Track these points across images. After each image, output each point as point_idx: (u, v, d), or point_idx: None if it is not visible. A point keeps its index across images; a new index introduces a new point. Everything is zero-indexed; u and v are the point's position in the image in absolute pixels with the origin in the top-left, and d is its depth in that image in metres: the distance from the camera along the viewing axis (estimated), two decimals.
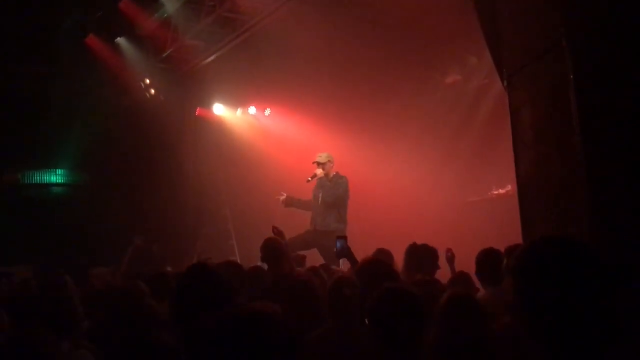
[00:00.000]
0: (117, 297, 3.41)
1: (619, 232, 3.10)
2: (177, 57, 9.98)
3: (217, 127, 11.06)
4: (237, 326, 1.60)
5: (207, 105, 11.03)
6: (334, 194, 7.40)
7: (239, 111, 11.14)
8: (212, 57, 9.52)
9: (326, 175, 7.50)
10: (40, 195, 10.64)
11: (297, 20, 7.81)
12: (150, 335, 2.52)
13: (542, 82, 3.94)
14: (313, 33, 7.91)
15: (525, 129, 4.21)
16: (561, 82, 3.49)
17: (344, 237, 4.87)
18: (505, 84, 4.64)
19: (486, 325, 2.73)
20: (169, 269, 5.36)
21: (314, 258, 6.90)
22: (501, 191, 8.89)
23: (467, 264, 4.91)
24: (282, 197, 7.59)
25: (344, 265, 5.87)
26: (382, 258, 4.10)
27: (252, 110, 11.07)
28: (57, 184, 10.96)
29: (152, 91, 10.54)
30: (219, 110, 11.06)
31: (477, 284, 4.23)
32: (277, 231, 5.53)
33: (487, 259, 4.04)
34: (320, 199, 7.48)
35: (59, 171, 10.92)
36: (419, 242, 5.03)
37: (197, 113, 11.09)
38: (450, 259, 5.31)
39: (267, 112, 11.04)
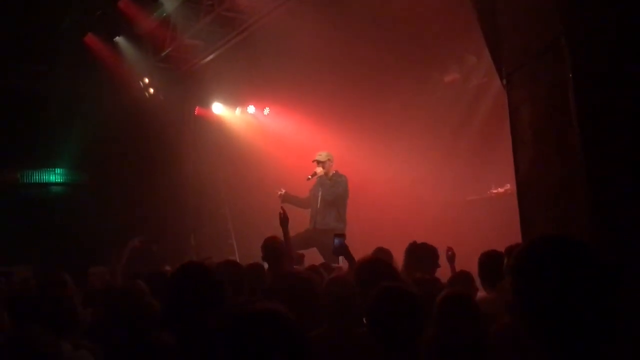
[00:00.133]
0: (116, 296, 3.41)
1: (619, 231, 3.10)
2: (176, 57, 9.97)
3: (216, 127, 11.06)
4: (245, 325, 1.59)
5: (206, 104, 11.02)
6: (333, 192, 7.41)
7: (238, 110, 11.13)
8: (211, 57, 9.52)
9: (326, 173, 7.52)
10: (39, 195, 10.64)
11: (296, 19, 7.80)
12: (150, 334, 2.52)
13: (541, 81, 3.94)
14: (312, 32, 7.90)
15: (524, 128, 4.21)
16: (560, 81, 3.49)
17: (342, 235, 4.88)
18: (504, 82, 4.64)
19: (482, 325, 2.73)
20: (167, 268, 5.36)
21: (313, 257, 6.90)
22: (500, 190, 8.89)
23: (466, 262, 4.91)
24: (281, 192, 7.58)
25: (343, 263, 5.88)
26: (381, 257, 4.09)
27: (251, 109, 11.07)
28: (56, 184, 10.96)
29: (151, 90, 10.53)
30: (218, 109, 11.06)
31: (478, 283, 4.23)
32: (283, 216, 5.53)
33: (489, 261, 4.02)
34: (319, 197, 7.49)
35: (58, 170, 10.92)
36: (419, 241, 5.03)
37: (196, 112, 11.08)
38: (451, 257, 5.32)
39: (266, 111, 11.03)
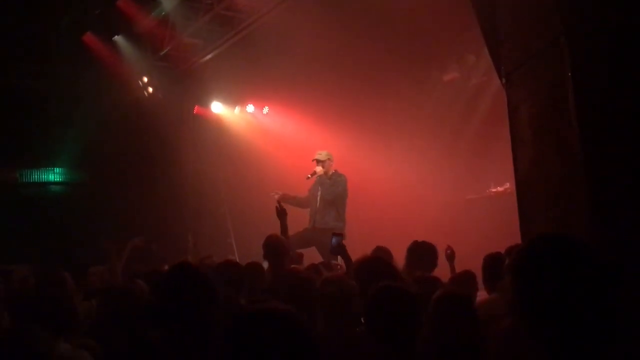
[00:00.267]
0: (116, 296, 3.41)
1: (619, 231, 3.10)
2: (175, 55, 9.97)
3: (216, 126, 11.05)
4: (255, 324, 1.58)
5: (205, 103, 11.01)
6: (333, 192, 7.41)
7: (237, 109, 11.13)
8: (210, 55, 9.51)
9: (325, 173, 7.52)
10: (38, 194, 10.62)
11: (295, 18, 7.80)
12: (149, 334, 2.51)
13: (540, 80, 3.94)
14: (311, 31, 7.90)
15: (524, 127, 4.21)
16: (560, 80, 3.49)
17: (341, 235, 4.88)
18: (503, 81, 4.64)
19: (479, 324, 2.72)
20: (166, 267, 5.35)
21: (312, 256, 6.90)
22: (500, 189, 8.89)
23: (466, 261, 4.92)
24: (276, 196, 7.54)
25: (342, 261, 5.89)
26: (381, 256, 4.09)
27: (250, 108, 11.06)
28: (55, 183, 10.94)
29: (150, 89, 10.52)
30: (217, 108, 11.05)
31: (481, 283, 4.21)
32: (280, 208, 5.52)
33: (493, 263, 4.00)
34: (319, 196, 7.49)
35: (57, 170, 10.91)
36: (418, 240, 5.03)
37: (195, 111, 11.07)
38: (450, 256, 5.32)
39: (265, 110, 11.02)
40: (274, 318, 1.59)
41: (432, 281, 3.81)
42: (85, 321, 3.60)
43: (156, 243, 8.65)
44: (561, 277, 1.45)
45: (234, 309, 3.08)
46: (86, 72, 9.91)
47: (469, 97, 9.76)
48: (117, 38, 9.79)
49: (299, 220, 7.54)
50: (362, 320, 2.87)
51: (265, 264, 5.01)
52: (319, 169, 7.50)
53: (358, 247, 4.78)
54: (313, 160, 7.57)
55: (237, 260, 7.26)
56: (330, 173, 7.55)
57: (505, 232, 5.35)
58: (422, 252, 4.82)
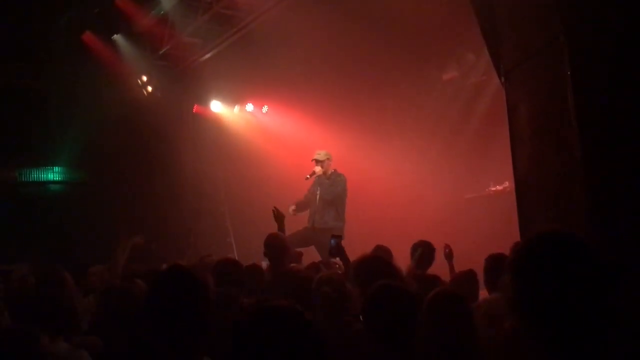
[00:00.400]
0: (116, 295, 3.41)
1: (618, 230, 3.11)
2: (174, 54, 9.96)
3: (215, 125, 11.04)
4: (267, 320, 1.58)
5: (205, 102, 11.00)
6: (332, 191, 7.41)
7: (237, 108, 11.12)
8: (209, 54, 9.50)
9: (324, 172, 7.51)
10: (38, 193, 10.63)
11: (294, 17, 7.79)
12: (148, 334, 2.51)
13: (539, 79, 3.94)
14: (310, 30, 7.89)
15: (523, 126, 4.21)
16: (559, 79, 3.49)
17: (339, 237, 4.89)
18: (502, 80, 4.64)
19: (472, 322, 2.72)
20: (164, 266, 5.34)
21: (312, 255, 6.91)
22: (499, 188, 8.89)
23: (465, 260, 4.92)
24: (292, 208, 7.57)
25: (339, 260, 5.89)
26: (381, 255, 4.09)
27: (249, 107, 11.05)
28: (54, 182, 10.94)
29: (149, 88, 10.51)
30: (217, 107, 11.03)
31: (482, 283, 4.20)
32: (277, 213, 5.52)
33: (496, 264, 3.98)
34: (318, 196, 7.50)
35: (56, 169, 10.91)
36: (417, 239, 5.05)
37: (194, 110, 11.06)
38: (449, 255, 5.32)
39: (265, 109, 11.02)
40: (283, 315, 1.59)
41: (432, 280, 3.82)
42: (84, 318, 3.60)
43: (156, 242, 8.66)
44: (560, 275, 1.45)
45: (235, 308, 3.08)
46: (85, 71, 9.90)
47: (468, 96, 9.75)
48: (116, 37, 9.78)
49: (298, 220, 7.54)
50: (361, 319, 2.87)
51: (265, 262, 5.01)
52: (317, 169, 7.50)
53: (358, 247, 4.78)
54: (312, 160, 7.57)
55: (237, 258, 7.28)
56: (329, 173, 7.54)
57: (504, 231, 5.36)
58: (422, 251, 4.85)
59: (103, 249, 8.17)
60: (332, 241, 4.75)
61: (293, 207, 7.58)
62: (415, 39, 8.56)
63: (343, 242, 4.72)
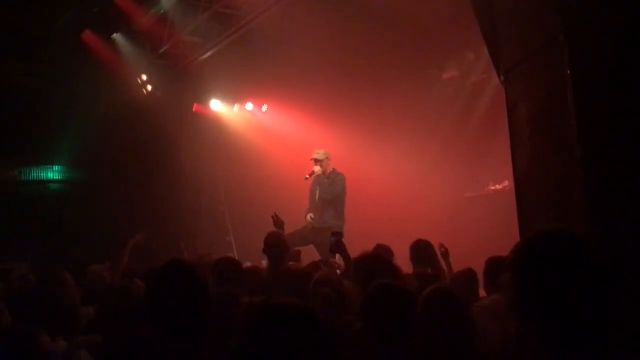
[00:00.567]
0: (115, 295, 3.41)
1: (618, 230, 3.11)
2: (174, 53, 9.95)
3: (215, 124, 11.04)
4: (275, 318, 1.58)
5: (204, 101, 11.00)
6: (331, 191, 7.41)
7: (236, 107, 11.12)
8: (209, 53, 9.49)
9: (323, 172, 7.52)
10: (37, 192, 10.62)
11: (293, 16, 7.79)
12: (148, 333, 2.51)
13: (539, 78, 3.94)
14: (310, 29, 7.89)
15: (522, 125, 4.21)
16: (559, 78, 3.49)
17: (340, 234, 4.90)
18: (502, 79, 4.64)
19: (467, 320, 2.72)
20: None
21: (311, 254, 6.91)
22: (498, 187, 8.91)
23: (465, 259, 4.92)
24: (310, 215, 7.56)
25: (339, 258, 5.90)
26: (381, 254, 4.10)
27: (249, 106, 11.06)
28: (54, 181, 10.94)
29: (149, 87, 10.50)
30: (216, 106, 11.04)
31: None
32: (277, 220, 5.52)
33: (495, 267, 3.98)
34: (317, 195, 7.50)
35: (56, 168, 10.90)
36: (416, 238, 5.05)
37: (194, 109, 11.06)
38: (444, 254, 5.32)
39: (264, 108, 11.02)
40: (292, 312, 1.59)
41: (434, 278, 3.82)
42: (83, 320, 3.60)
43: (155, 241, 8.66)
44: (560, 275, 1.45)
45: (236, 307, 3.08)
46: (85, 70, 9.89)
47: (468, 95, 9.77)
48: (115, 36, 9.78)
49: (298, 219, 7.55)
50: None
51: (265, 261, 5.01)
52: (317, 169, 7.50)
53: (357, 246, 4.77)
54: (311, 160, 7.57)
55: (236, 258, 7.28)
56: (329, 172, 7.55)
57: (504, 230, 5.36)
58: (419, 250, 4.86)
59: (102, 247, 8.19)
60: (333, 238, 4.76)
61: (311, 214, 7.54)
62: (415, 38, 8.56)
63: (342, 241, 4.73)
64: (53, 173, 10.91)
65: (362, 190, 8.63)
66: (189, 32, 9.25)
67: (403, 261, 4.79)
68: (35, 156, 10.61)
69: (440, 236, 5.65)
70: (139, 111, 10.25)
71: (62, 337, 2.77)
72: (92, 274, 5.48)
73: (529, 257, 1.53)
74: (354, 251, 4.51)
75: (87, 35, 9.70)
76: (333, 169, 7.60)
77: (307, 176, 7.53)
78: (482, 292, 4.15)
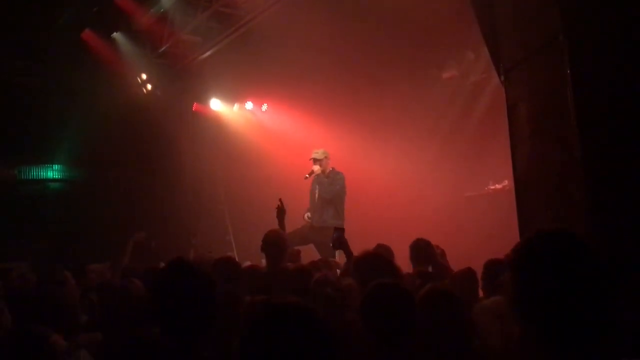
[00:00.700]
0: (115, 294, 3.41)
1: (617, 230, 3.11)
2: (173, 53, 9.95)
3: (214, 123, 11.04)
4: (277, 317, 1.58)
5: (204, 100, 11.00)
6: (331, 190, 7.41)
7: (236, 107, 11.12)
8: (209, 53, 9.49)
9: (323, 171, 7.51)
10: (37, 191, 10.62)
11: (294, 15, 7.79)
12: (144, 332, 2.52)
13: (539, 78, 3.94)
14: (310, 29, 7.89)
15: (522, 125, 4.21)
16: (559, 78, 3.49)
17: (342, 229, 4.90)
18: (502, 79, 4.64)
19: (465, 319, 2.72)
20: (162, 264, 5.35)
21: (310, 253, 6.91)
22: (498, 186, 8.91)
23: (464, 258, 4.92)
24: (308, 215, 7.61)
25: (339, 257, 5.90)
26: (382, 253, 4.09)
27: (249, 105, 11.06)
28: (53, 180, 10.94)
29: (149, 86, 10.51)
30: (216, 105, 11.04)
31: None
32: (280, 207, 5.52)
33: (494, 270, 3.96)
34: (317, 195, 7.50)
35: (55, 167, 10.90)
36: (416, 237, 5.05)
37: (194, 108, 11.06)
38: (440, 255, 5.31)
39: (264, 107, 11.02)
40: (293, 312, 1.59)
41: (436, 276, 3.82)
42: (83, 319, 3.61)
43: (155, 240, 8.66)
44: (560, 275, 1.45)
45: (237, 306, 3.09)
46: (84, 69, 9.89)
47: (467, 95, 9.76)
48: (115, 35, 9.78)
49: (298, 218, 7.55)
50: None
51: (264, 260, 5.00)
52: (316, 168, 7.50)
53: (357, 246, 4.77)
54: (310, 159, 7.57)
55: (236, 257, 7.28)
56: (328, 171, 7.54)
57: (504, 230, 5.36)
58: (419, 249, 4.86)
59: (102, 246, 8.19)
60: (335, 234, 4.76)
61: (308, 214, 7.60)
62: (415, 38, 8.55)
63: (345, 237, 4.73)
64: (53, 172, 10.91)
65: (362, 190, 8.63)
66: (189, 31, 9.25)
67: (403, 261, 4.78)
68: (35, 155, 10.61)
69: (440, 236, 5.65)
70: (139, 110, 10.25)
71: (62, 337, 2.77)
72: (92, 272, 5.48)
73: (529, 257, 1.53)
74: (354, 251, 4.51)
75: (87, 35, 9.70)
76: (332, 168, 7.59)
77: (307, 175, 7.53)
78: (480, 293, 4.15)
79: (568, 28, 3.45)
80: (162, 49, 9.78)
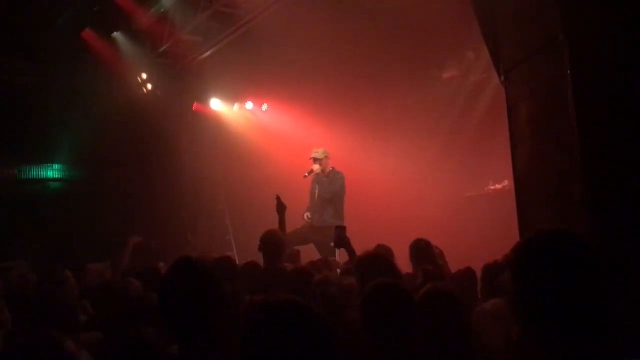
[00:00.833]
0: (114, 294, 3.41)
1: (617, 230, 3.11)
2: (174, 52, 9.95)
3: (214, 122, 11.04)
4: (275, 315, 1.58)
5: (204, 100, 11.00)
6: (330, 189, 7.42)
7: (236, 106, 11.12)
8: (209, 52, 9.50)
9: (322, 170, 7.52)
10: (37, 191, 10.62)
11: (294, 15, 7.79)
12: (143, 331, 2.51)
13: (539, 78, 3.94)
14: (310, 28, 7.89)
15: (522, 125, 4.21)
16: (559, 78, 3.49)
17: (343, 227, 4.90)
18: (502, 79, 4.64)
19: (464, 318, 2.72)
20: (161, 264, 5.35)
21: (310, 253, 6.90)
22: (498, 186, 8.90)
23: (464, 258, 4.92)
24: (307, 215, 7.62)
25: (339, 257, 5.90)
26: (382, 253, 4.09)
27: (249, 105, 11.06)
28: (53, 179, 10.93)
29: (149, 86, 10.51)
30: (216, 105, 11.04)
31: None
32: (280, 203, 5.52)
33: (492, 272, 3.96)
34: (316, 194, 7.51)
35: (55, 166, 10.90)
36: (416, 237, 5.05)
37: (194, 108, 11.06)
38: (439, 255, 5.31)
39: (264, 107, 11.02)
40: (292, 310, 1.58)
41: (438, 275, 3.82)
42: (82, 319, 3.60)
43: (155, 240, 8.66)
44: (560, 275, 1.45)
45: (238, 306, 3.09)
46: (85, 69, 9.89)
47: (467, 95, 9.75)
48: (115, 34, 9.78)
49: (298, 218, 7.55)
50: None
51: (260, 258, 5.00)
52: (315, 167, 7.51)
53: (357, 246, 4.77)
54: (310, 159, 7.57)
55: (236, 257, 7.27)
56: (328, 170, 7.55)
57: (503, 230, 5.36)
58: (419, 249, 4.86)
59: (102, 246, 8.19)
60: (336, 232, 4.76)
61: (307, 214, 7.60)
62: (415, 38, 8.55)
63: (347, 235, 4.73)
64: (53, 172, 10.91)
65: (362, 190, 8.63)
66: (189, 31, 9.24)
67: (403, 261, 4.78)
68: (35, 155, 10.61)
69: (440, 236, 5.65)
70: (139, 110, 10.26)
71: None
72: (91, 272, 5.48)
73: (529, 257, 1.53)
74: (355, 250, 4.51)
75: (87, 34, 9.70)
76: (332, 167, 7.60)
77: (306, 174, 7.54)
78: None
79: (568, 28, 3.46)
80: (162, 48, 9.78)
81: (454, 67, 9.74)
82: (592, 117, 3.30)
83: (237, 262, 5.19)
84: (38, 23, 9.40)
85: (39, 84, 10.13)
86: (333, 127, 9.69)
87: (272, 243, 4.78)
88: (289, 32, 8.16)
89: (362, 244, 4.67)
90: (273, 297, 1.70)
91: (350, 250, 4.57)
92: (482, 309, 3.41)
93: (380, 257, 3.66)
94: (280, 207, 5.68)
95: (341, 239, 4.68)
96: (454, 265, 5.21)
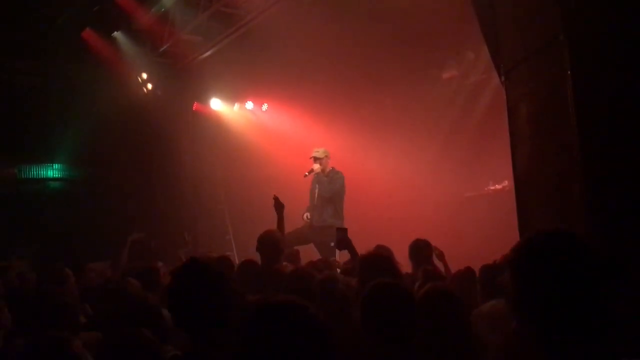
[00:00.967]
0: (114, 294, 3.41)
1: (617, 229, 3.11)
2: (174, 52, 9.95)
3: (215, 122, 11.04)
4: (273, 316, 1.58)
5: (204, 100, 11.00)
6: (330, 189, 7.42)
7: (236, 106, 11.12)
8: (209, 52, 9.50)
9: (323, 170, 7.52)
10: (37, 190, 10.60)
11: (294, 15, 7.79)
12: (144, 332, 2.52)
13: (539, 78, 3.94)
14: (310, 28, 7.89)
15: (522, 125, 4.21)
16: (559, 78, 3.49)
17: (344, 229, 4.90)
18: (502, 79, 4.64)
19: (465, 318, 2.72)
20: (160, 264, 5.36)
21: (310, 253, 6.91)
22: (498, 187, 8.90)
23: (464, 258, 4.92)
24: (307, 215, 7.63)
25: (339, 257, 5.90)
26: (384, 253, 4.09)
27: (249, 105, 11.06)
28: (54, 179, 10.92)
29: (149, 86, 10.50)
30: (216, 105, 11.04)
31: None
32: (277, 202, 5.53)
33: (490, 274, 3.95)
34: (316, 194, 7.51)
35: (55, 166, 10.89)
36: (416, 237, 5.06)
37: (194, 108, 11.06)
38: (439, 256, 5.31)
39: (265, 107, 11.02)
40: (290, 310, 1.58)
41: (439, 275, 3.82)
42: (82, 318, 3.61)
43: (155, 240, 8.67)
44: (560, 275, 1.45)
45: (239, 306, 3.08)
46: (85, 68, 9.89)
47: (467, 95, 9.76)
48: (116, 34, 9.77)
49: (294, 215, 7.54)
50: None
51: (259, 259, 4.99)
52: (316, 167, 7.51)
53: (357, 246, 4.78)
54: (310, 158, 7.57)
55: (236, 257, 7.28)
56: (328, 170, 7.55)
57: (503, 230, 5.36)
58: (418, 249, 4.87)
59: (102, 246, 8.19)
60: (338, 234, 4.75)
61: (307, 214, 7.61)
62: (415, 38, 8.55)
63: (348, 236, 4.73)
64: (53, 171, 10.89)
65: (362, 190, 8.63)
66: (190, 31, 9.24)
67: (403, 261, 4.78)
68: (35, 154, 10.59)
69: (440, 236, 5.65)
70: (139, 110, 10.25)
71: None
72: (91, 271, 5.49)
73: (529, 257, 1.53)
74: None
75: (88, 34, 9.69)
76: (332, 167, 7.60)
77: (307, 173, 7.54)
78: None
79: (568, 28, 3.46)
80: (163, 48, 9.78)
81: (454, 67, 9.74)
82: (592, 117, 3.30)
83: (236, 262, 5.19)
84: (39, 23, 9.39)
85: (40, 84, 10.12)
86: (333, 127, 9.69)
87: (270, 243, 4.78)
88: (289, 32, 8.16)
89: (362, 244, 4.68)
90: (272, 297, 1.70)
91: (353, 252, 4.57)
92: (480, 311, 3.41)
93: (383, 258, 3.66)
94: (279, 206, 5.68)
95: (343, 241, 4.68)
96: (454, 265, 5.22)
